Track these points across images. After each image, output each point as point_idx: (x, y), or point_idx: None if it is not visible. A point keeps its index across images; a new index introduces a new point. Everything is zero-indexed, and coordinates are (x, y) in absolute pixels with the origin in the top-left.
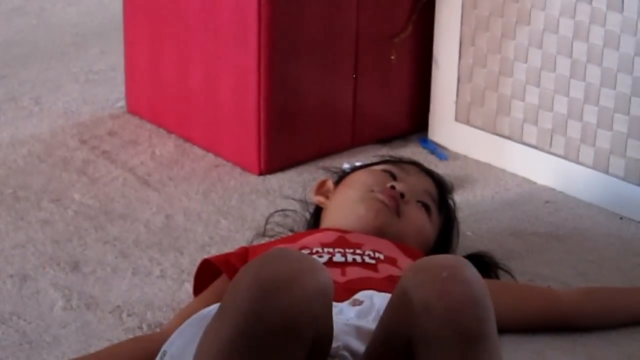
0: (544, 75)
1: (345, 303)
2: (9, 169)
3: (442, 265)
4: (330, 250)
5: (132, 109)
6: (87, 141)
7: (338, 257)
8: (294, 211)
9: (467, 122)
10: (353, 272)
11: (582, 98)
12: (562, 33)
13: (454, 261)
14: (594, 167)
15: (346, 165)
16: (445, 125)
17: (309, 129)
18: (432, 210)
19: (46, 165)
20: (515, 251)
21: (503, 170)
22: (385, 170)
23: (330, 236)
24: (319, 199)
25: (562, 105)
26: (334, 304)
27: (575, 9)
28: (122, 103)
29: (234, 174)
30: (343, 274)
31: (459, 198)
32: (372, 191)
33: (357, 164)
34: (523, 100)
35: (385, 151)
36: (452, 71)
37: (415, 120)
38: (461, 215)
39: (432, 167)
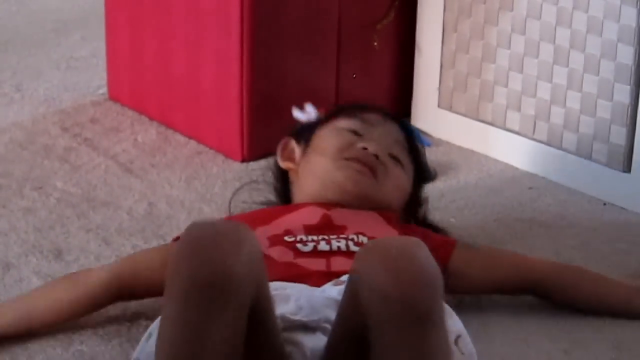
0: (527, 61)
1: (329, 284)
2: None
3: (392, 246)
4: (315, 237)
5: (114, 96)
6: (69, 128)
7: (323, 246)
8: (259, 187)
9: (450, 109)
10: (338, 264)
11: (565, 84)
12: (545, 19)
13: (405, 241)
14: (577, 153)
15: (299, 115)
16: (428, 112)
17: (292, 115)
18: (404, 161)
19: (28, 153)
20: (499, 237)
21: (486, 156)
22: (350, 130)
23: (314, 215)
24: (288, 164)
25: (545, 91)
26: (320, 288)
27: None
28: (104, 90)
29: (217, 161)
30: (328, 265)
31: (442, 184)
32: (345, 158)
33: (313, 115)
34: (506, 86)
35: None
36: (435, 57)
37: (398, 107)
38: (444, 201)
39: None
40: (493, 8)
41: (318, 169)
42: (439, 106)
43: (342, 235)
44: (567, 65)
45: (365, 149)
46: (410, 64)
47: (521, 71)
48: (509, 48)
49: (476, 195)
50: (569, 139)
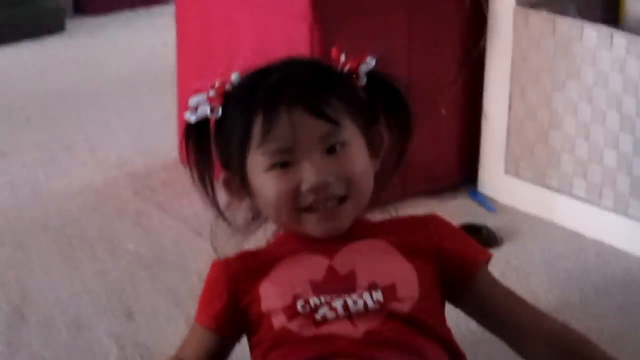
0: (593, 129)
1: None
2: (64, 218)
3: None
4: (328, 298)
5: (185, 160)
6: (141, 191)
7: (340, 310)
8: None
9: (517, 175)
10: (362, 322)
11: (631, 152)
12: (611, 87)
13: None
14: None
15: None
16: (495, 178)
17: None
18: (344, 136)
19: (100, 215)
20: (565, 304)
21: (552, 223)
22: (278, 164)
23: (317, 268)
24: (249, 208)
25: (611, 158)
26: None
27: (625, 63)
28: (175, 154)
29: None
30: (354, 325)
31: (508, 250)
32: (299, 210)
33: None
34: (572, 153)
35: (434, 203)
36: (502, 124)
37: (465, 172)
38: (510, 267)
39: (481, 220)
40: (560, 76)
41: (280, 219)
42: (505, 172)
43: (354, 297)
44: (634, 133)
45: (312, 188)
46: (477, 130)
47: (587, 139)
48: (576, 116)
49: (542, 261)
50: (636, 206)
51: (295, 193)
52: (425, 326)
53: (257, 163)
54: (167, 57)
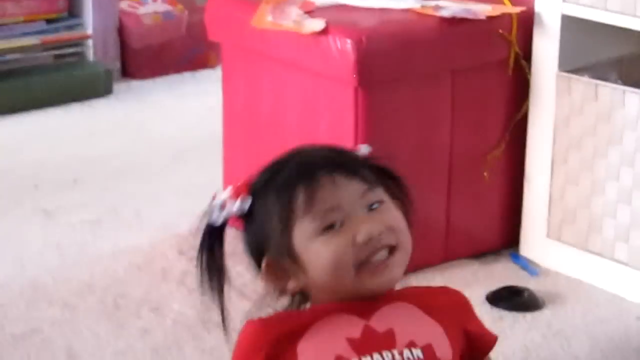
0: (635, 194)
1: None
2: (110, 279)
3: None
4: (369, 359)
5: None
6: (186, 252)
7: None
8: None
9: (559, 239)
10: None
11: None
12: None
13: None
14: None
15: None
16: (537, 242)
17: None
18: (380, 195)
19: (146, 275)
20: None
21: (594, 287)
22: (326, 228)
23: (353, 327)
24: (295, 287)
25: None
26: None
27: None
28: None
29: None
30: None
31: (549, 313)
32: (358, 268)
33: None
34: (614, 218)
35: (476, 266)
36: (544, 189)
37: (507, 236)
38: (552, 330)
39: (522, 284)
40: (602, 142)
41: (338, 280)
42: (547, 236)
43: (395, 354)
44: None
45: (366, 240)
46: (519, 194)
47: (630, 203)
48: (618, 180)
49: (583, 325)
50: None
51: (351, 250)
52: None
53: (307, 231)
54: (212, 121)
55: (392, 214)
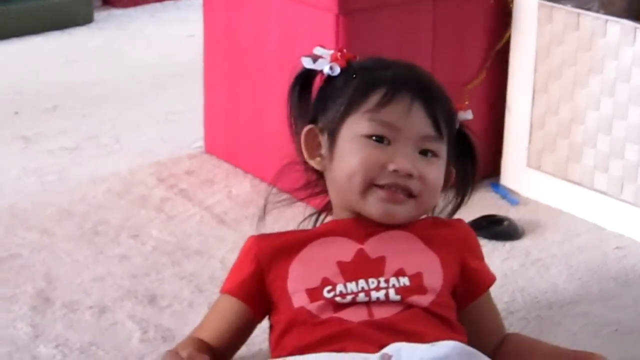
0: (615, 123)
1: (375, 356)
2: (89, 205)
3: None
4: (354, 288)
5: (210, 149)
6: (165, 179)
7: (361, 298)
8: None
9: (539, 168)
10: (379, 312)
11: None
12: (633, 82)
13: None
14: None
15: (311, 63)
16: (517, 171)
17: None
18: (438, 150)
19: (125, 202)
20: (584, 295)
21: (573, 216)
22: (375, 136)
23: (347, 250)
24: (318, 164)
25: (632, 152)
26: (364, 355)
27: None
28: (200, 143)
29: (309, 213)
30: (370, 314)
31: (528, 242)
32: (376, 185)
33: (326, 64)
34: (594, 147)
35: None
36: (525, 118)
37: (487, 165)
38: (531, 259)
39: (502, 213)
40: (583, 71)
41: (346, 194)
42: (527, 166)
43: (381, 283)
44: None
45: (396, 171)
46: (500, 124)
47: (609, 133)
48: (598, 110)
49: (562, 253)
50: None
51: (379, 167)
52: (443, 318)
53: (359, 126)
54: (193, 49)
55: (435, 172)
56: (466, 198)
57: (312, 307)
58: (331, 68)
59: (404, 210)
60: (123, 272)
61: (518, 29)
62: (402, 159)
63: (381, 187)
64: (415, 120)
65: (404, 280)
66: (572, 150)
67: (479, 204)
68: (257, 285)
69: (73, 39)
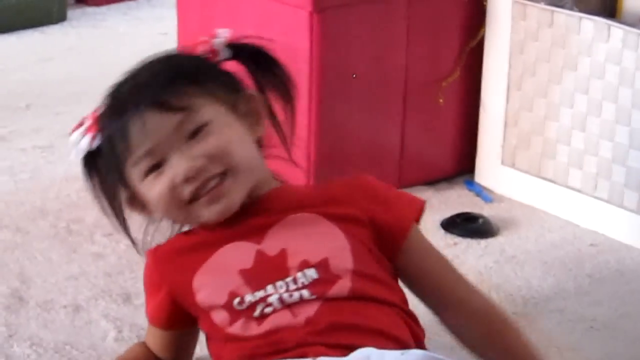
0: (589, 120)
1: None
2: (62, 203)
3: None
4: (262, 294)
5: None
6: None
7: (276, 303)
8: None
9: (513, 166)
10: (301, 310)
11: (627, 143)
12: (607, 79)
13: None
14: (637, 212)
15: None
16: (491, 168)
17: (356, 168)
18: (201, 117)
19: None
20: (558, 292)
21: (547, 213)
22: (150, 169)
23: (245, 255)
24: (148, 216)
25: (606, 150)
26: None
27: (621, 55)
28: None
29: None
30: (294, 314)
31: (503, 240)
32: (186, 204)
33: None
34: (568, 144)
35: (430, 192)
36: (499, 115)
37: (461, 163)
38: (505, 256)
39: (477, 210)
40: (557, 67)
41: (176, 220)
42: (502, 163)
43: (289, 282)
44: (629, 125)
45: (186, 180)
46: (474, 120)
47: (584, 130)
48: (572, 107)
49: (536, 250)
50: (630, 197)
51: (173, 189)
52: (368, 296)
53: (134, 174)
54: (166, 47)
55: (218, 137)
56: (294, 101)
57: (235, 328)
58: (87, 142)
59: (232, 193)
60: (97, 271)
61: (492, 25)
62: (178, 165)
63: (194, 200)
64: (156, 126)
65: (311, 273)
66: (546, 147)
67: (454, 201)
68: (172, 308)
69: (47, 37)
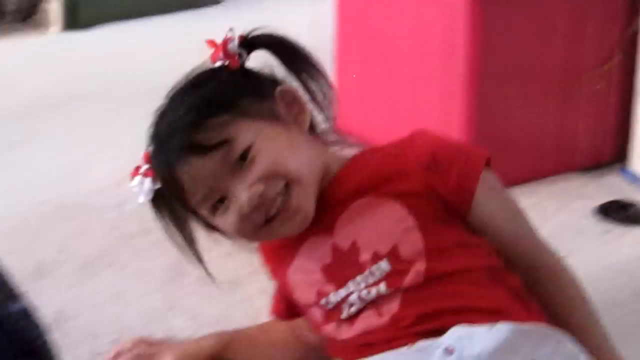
0: None
1: (439, 351)
2: None
3: None
4: (343, 293)
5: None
6: None
7: (357, 303)
8: None
9: None
10: (386, 308)
11: None
12: None
13: None
14: None
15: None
16: None
17: (513, 154)
18: (242, 142)
19: None
20: None
21: None
22: (213, 211)
23: (324, 250)
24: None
25: None
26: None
27: None
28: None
29: None
30: (379, 313)
31: None
32: (259, 229)
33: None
34: None
35: (585, 179)
36: None
37: (618, 150)
38: None
39: (632, 197)
40: None
41: (264, 239)
42: None
43: (367, 278)
44: None
45: (252, 206)
46: (629, 108)
47: None
48: None
49: None
50: None
51: (245, 219)
52: (447, 272)
53: (204, 214)
54: (323, 29)
55: (266, 155)
56: (323, 74)
57: (330, 329)
58: (152, 186)
59: (302, 204)
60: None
61: None
62: (240, 197)
63: (269, 221)
64: (204, 168)
65: (384, 266)
66: None
67: (606, 189)
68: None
69: (203, 19)
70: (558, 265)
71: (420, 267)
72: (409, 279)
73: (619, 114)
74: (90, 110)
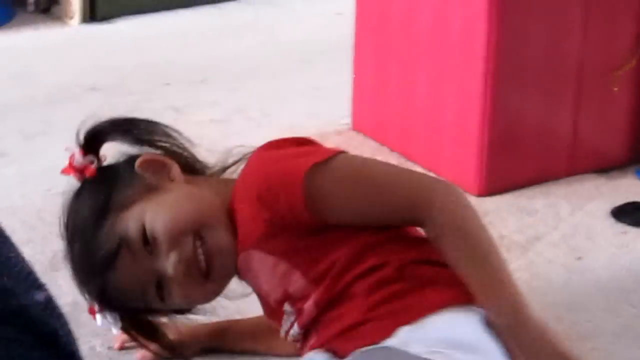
0: None
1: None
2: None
3: None
4: (286, 327)
5: (357, 127)
6: None
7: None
8: None
9: None
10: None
11: None
12: None
13: None
14: None
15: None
16: None
17: (528, 154)
18: (134, 225)
19: None
20: None
21: None
22: (156, 294)
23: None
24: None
25: None
26: None
27: None
28: (348, 120)
29: None
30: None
31: None
32: (203, 284)
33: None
34: None
35: (602, 181)
36: None
37: (634, 151)
38: None
39: None
40: None
41: (220, 292)
42: None
43: (286, 316)
44: None
45: (186, 272)
46: None
47: None
48: None
49: None
50: None
51: (186, 284)
52: (334, 296)
53: (159, 306)
54: (341, 26)
55: (161, 223)
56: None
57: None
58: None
59: (222, 244)
60: None
61: None
62: (168, 273)
63: (206, 275)
64: (124, 280)
65: (288, 308)
66: None
67: (624, 190)
68: None
69: (222, 13)
70: (434, 212)
71: (312, 300)
72: (306, 314)
73: (634, 115)
74: (109, 102)
